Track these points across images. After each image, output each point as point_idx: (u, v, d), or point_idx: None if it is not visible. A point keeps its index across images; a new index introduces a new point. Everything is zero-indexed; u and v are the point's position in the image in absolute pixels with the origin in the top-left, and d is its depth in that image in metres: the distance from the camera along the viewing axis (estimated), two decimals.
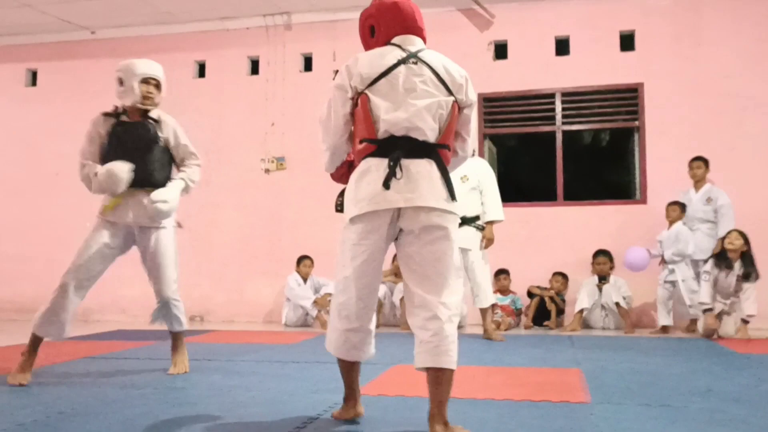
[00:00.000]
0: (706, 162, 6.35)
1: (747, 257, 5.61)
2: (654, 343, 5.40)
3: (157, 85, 3.85)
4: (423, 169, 2.43)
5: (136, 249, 3.95)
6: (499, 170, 7.50)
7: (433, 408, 2.41)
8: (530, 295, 6.78)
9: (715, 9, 6.86)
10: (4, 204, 8.31)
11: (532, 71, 7.23)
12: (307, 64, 7.90)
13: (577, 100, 7.19)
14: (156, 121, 3.83)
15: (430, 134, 2.45)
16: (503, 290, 6.78)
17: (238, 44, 7.99)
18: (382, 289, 6.84)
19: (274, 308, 7.45)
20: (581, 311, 6.40)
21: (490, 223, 5.59)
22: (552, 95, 7.23)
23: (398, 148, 2.41)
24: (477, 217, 5.61)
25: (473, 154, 5.71)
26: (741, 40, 6.78)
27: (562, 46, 7.24)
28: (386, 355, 4.65)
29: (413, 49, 2.55)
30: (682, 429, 2.53)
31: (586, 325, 6.57)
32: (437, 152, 2.48)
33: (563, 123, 7.21)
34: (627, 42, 7.09)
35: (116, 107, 3.87)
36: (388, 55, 2.51)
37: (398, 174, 2.39)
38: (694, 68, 6.85)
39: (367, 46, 2.67)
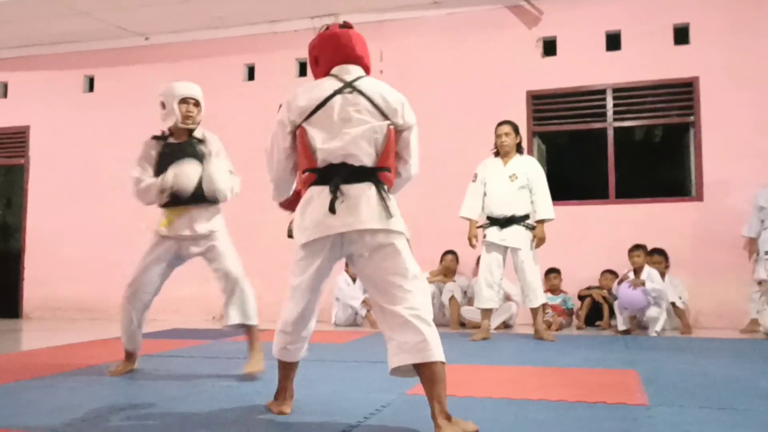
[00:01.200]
0: None
1: None
2: (712, 344, 5.25)
3: (196, 104, 4.13)
4: (362, 193, 2.54)
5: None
6: (549, 168, 7.40)
7: (433, 405, 2.50)
8: (581, 298, 6.67)
9: None
10: (64, 208, 8.59)
11: (582, 67, 7.11)
12: None
13: (629, 95, 7.04)
14: (200, 140, 4.06)
15: (366, 159, 2.57)
16: (554, 290, 6.69)
17: (286, 46, 8.08)
18: (431, 289, 6.83)
19: (324, 308, 7.45)
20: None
21: (541, 222, 5.53)
22: (603, 91, 7.09)
23: (337, 175, 2.55)
24: (527, 216, 5.55)
25: (521, 152, 5.69)
26: None
27: (613, 41, 7.10)
28: None
29: (349, 79, 2.66)
30: None
31: (639, 325, 6.42)
32: (376, 176, 2.59)
33: (615, 119, 7.08)
34: (681, 35, 6.91)
35: (163, 131, 4.10)
36: (325, 86, 2.65)
37: (339, 199, 2.52)
38: (752, 61, 6.63)
39: (315, 76, 2.81)
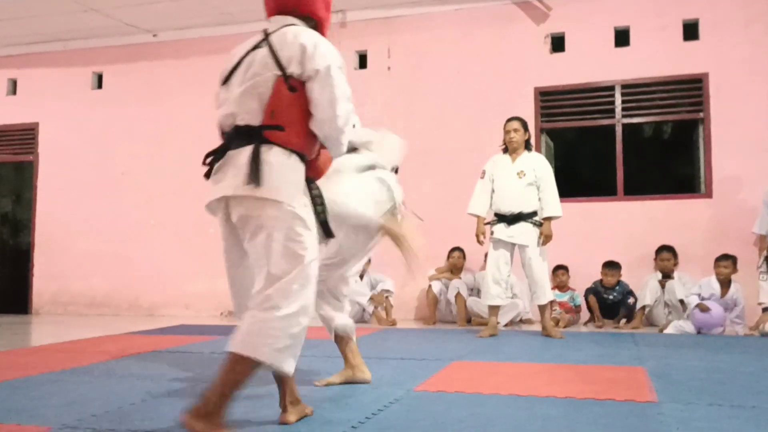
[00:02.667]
0: None
1: None
2: (722, 341, 5.23)
3: None
4: (237, 155, 2.30)
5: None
6: (557, 165, 7.39)
7: (206, 391, 2.24)
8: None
9: None
10: (74, 203, 8.64)
11: (591, 63, 7.09)
12: (362, 61, 7.93)
13: (638, 92, 7.01)
14: None
15: (251, 118, 2.30)
16: (561, 286, 6.68)
17: None
18: (437, 286, 6.83)
19: None
20: (643, 308, 6.26)
21: (548, 219, 5.52)
22: (611, 88, 7.07)
23: (229, 140, 2.34)
24: (534, 213, 5.54)
25: (529, 148, 5.67)
26: None
27: (622, 37, 7.07)
28: (445, 350, 4.65)
29: (270, 30, 2.39)
30: (759, 430, 2.45)
31: (648, 322, 6.41)
32: (261, 135, 2.29)
33: (623, 116, 7.05)
34: (690, 31, 6.87)
35: None
36: (246, 43, 2.44)
37: (216, 167, 2.34)
38: (764, 56, 6.58)
39: None
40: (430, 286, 6.90)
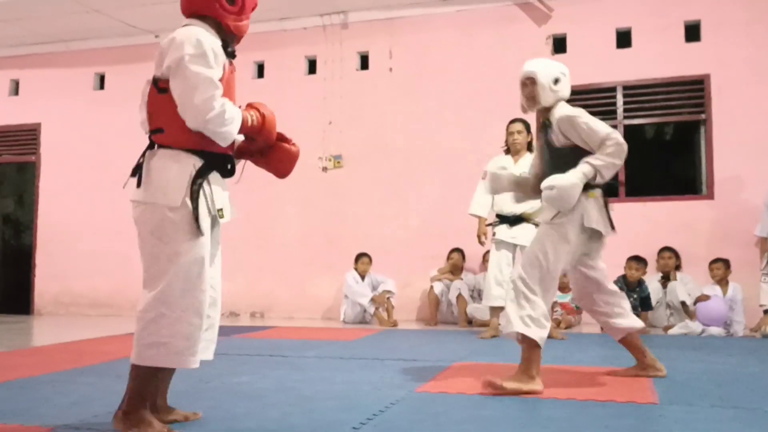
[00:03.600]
0: None
1: None
2: (723, 342, 5.23)
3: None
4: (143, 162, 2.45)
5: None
6: None
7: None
8: None
9: None
10: (76, 204, 8.65)
11: (593, 65, 7.09)
12: (364, 62, 7.94)
13: (640, 93, 7.01)
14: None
15: (145, 126, 2.48)
16: (563, 288, 6.66)
17: (295, 44, 8.10)
18: (439, 287, 6.84)
19: (333, 305, 7.53)
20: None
21: None
22: (613, 89, 7.07)
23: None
24: (536, 214, 5.54)
25: (532, 150, 5.67)
26: None
27: (624, 39, 7.07)
28: (447, 351, 4.65)
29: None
30: None
31: (650, 324, 6.40)
32: (151, 141, 2.44)
33: (625, 117, 7.05)
34: (692, 32, 6.87)
35: None
36: None
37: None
38: (766, 56, 6.58)
39: None
40: (431, 287, 6.90)
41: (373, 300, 6.86)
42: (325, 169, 7.86)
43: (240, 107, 2.54)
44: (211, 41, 2.43)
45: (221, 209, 2.53)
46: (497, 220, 5.64)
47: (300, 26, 8.06)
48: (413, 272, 7.21)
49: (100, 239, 8.48)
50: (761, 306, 5.72)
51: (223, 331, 6.01)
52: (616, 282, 6.24)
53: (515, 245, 5.56)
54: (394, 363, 4.11)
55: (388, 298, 6.90)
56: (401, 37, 7.73)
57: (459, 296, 6.73)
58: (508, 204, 5.54)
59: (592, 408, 2.81)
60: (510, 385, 3.08)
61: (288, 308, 7.77)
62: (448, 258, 6.99)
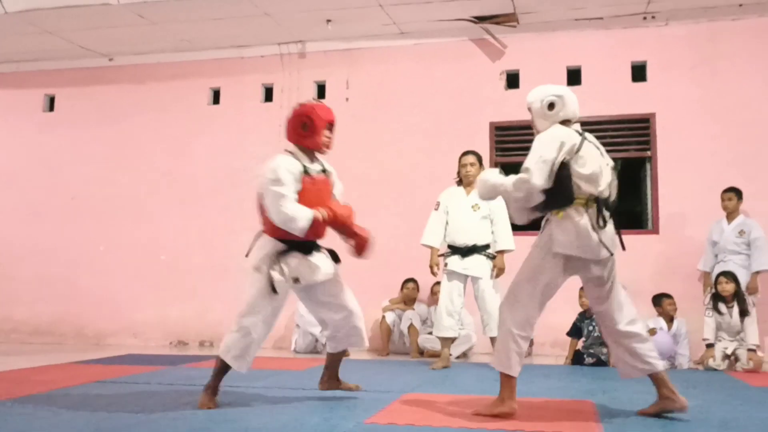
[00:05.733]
0: (738, 193, 6.23)
1: (739, 297, 5.80)
2: (669, 375, 5.32)
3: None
4: None
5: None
6: None
7: None
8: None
9: (732, 38, 6.87)
10: (23, 227, 8.40)
11: None
12: (321, 91, 7.99)
13: (589, 129, 7.08)
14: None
15: (259, 220, 3.79)
16: None
17: (252, 71, 8.10)
18: (391, 317, 6.83)
19: (284, 334, 7.44)
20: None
21: (501, 252, 5.60)
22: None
23: None
24: (488, 246, 5.62)
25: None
26: (760, 68, 6.78)
27: (574, 76, 7.29)
28: (397, 382, 4.64)
29: None
30: None
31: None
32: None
33: None
34: (639, 72, 7.13)
35: None
36: None
37: None
38: (710, 98, 6.84)
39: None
40: (383, 316, 6.89)
41: None
42: None
43: (319, 209, 3.48)
44: (288, 164, 3.50)
45: (297, 277, 3.61)
46: (449, 251, 5.69)
47: (257, 54, 8.08)
48: (365, 302, 7.05)
49: (44, 264, 8.23)
50: (704, 340, 5.87)
51: (170, 360, 5.89)
52: (575, 323, 6.31)
53: (467, 276, 5.61)
54: (343, 394, 4.08)
55: None
56: (358, 67, 7.81)
57: (411, 326, 6.73)
58: (461, 235, 5.62)
59: None
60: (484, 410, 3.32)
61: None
62: (403, 288, 7.00)
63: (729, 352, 5.75)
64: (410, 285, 6.96)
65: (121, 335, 7.94)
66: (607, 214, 3.25)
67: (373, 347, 7.21)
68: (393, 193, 7.48)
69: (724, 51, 6.89)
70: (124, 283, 7.97)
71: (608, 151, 7.37)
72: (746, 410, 3.66)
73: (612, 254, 3.30)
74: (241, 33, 7.68)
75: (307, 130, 3.58)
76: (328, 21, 7.30)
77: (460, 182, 5.79)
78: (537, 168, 3.22)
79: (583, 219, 3.21)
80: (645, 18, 7.07)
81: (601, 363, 5.89)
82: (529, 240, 6.78)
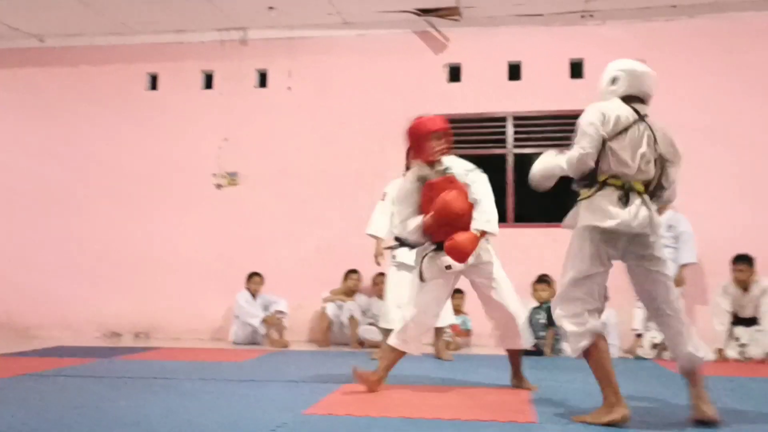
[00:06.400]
0: None
1: None
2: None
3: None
4: None
5: None
6: None
7: None
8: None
9: (665, 38, 7.09)
10: None
11: (485, 94, 7.36)
12: (263, 79, 7.88)
13: (528, 124, 7.35)
14: None
15: None
16: (455, 310, 6.81)
17: (192, 57, 7.93)
18: (332, 308, 6.81)
19: (223, 325, 7.34)
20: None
21: None
22: (504, 119, 7.37)
23: None
24: None
25: None
26: (690, 67, 7.02)
27: (515, 71, 7.40)
28: (337, 373, 4.63)
29: None
30: None
31: (539, 347, 6.63)
32: None
33: (514, 146, 7.35)
34: (577, 69, 7.29)
35: None
36: None
37: None
38: None
39: None
40: (324, 307, 6.86)
41: (264, 320, 6.74)
42: (219, 186, 7.69)
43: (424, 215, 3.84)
44: (405, 184, 4.03)
45: (449, 265, 3.80)
46: (397, 242, 5.69)
47: (197, 40, 7.90)
48: (307, 293, 7.14)
49: None
50: (633, 330, 6.07)
51: (103, 352, 5.73)
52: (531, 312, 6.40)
53: (414, 267, 5.62)
54: (282, 385, 4.06)
55: (279, 319, 6.81)
56: (301, 57, 7.74)
57: (351, 318, 6.73)
58: None
59: (474, 428, 2.88)
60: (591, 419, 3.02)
61: (175, 328, 7.48)
62: (346, 279, 6.99)
63: (657, 341, 5.96)
64: (354, 276, 6.96)
65: (52, 327, 7.67)
66: (635, 195, 3.08)
67: (314, 338, 7.20)
68: (336, 184, 7.45)
69: (657, 50, 7.10)
70: (55, 276, 7.71)
71: (547, 146, 7.56)
72: (671, 396, 3.80)
73: (643, 233, 3.07)
74: (181, 17, 7.49)
75: (414, 149, 4.00)
76: (271, 8, 7.21)
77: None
78: (578, 142, 3.16)
79: (605, 195, 3.11)
80: (583, 16, 7.23)
81: (539, 352, 6.02)
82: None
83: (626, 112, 3.16)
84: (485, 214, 3.86)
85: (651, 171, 3.13)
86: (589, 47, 7.24)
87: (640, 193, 3.09)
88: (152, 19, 7.56)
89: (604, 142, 3.08)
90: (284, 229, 7.47)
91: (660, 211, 3.41)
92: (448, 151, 4.02)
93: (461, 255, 3.73)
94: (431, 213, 3.75)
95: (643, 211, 3.06)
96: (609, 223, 3.04)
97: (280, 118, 7.66)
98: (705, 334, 5.45)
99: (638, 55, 7.08)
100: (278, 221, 7.51)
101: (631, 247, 3.13)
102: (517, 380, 4.10)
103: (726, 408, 3.43)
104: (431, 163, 3.95)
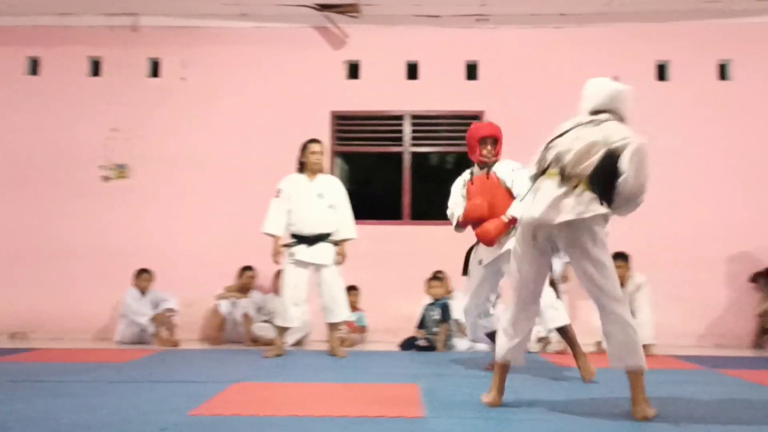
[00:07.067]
0: None
1: (553, 285, 6.26)
2: (490, 358, 5.67)
3: None
4: None
5: None
6: (354, 188, 7.58)
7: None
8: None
9: (554, 44, 7.37)
10: None
11: (383, 92, 7.42)
12: (155, 68, 7.58)
13: (425, 123, 7.47)
14: None
15: None
16: (351, 306, 6.82)
17: (78, 42, 7.51)
18: (225, 305, 6.67)
19: (108, 324, 7.01)
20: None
21: (344, 240, 5.65)
22: (401, 117, 7.45)
23: None
24: (331, 234, 5.64)
25: (323, 171, 5.78)
26: (579, 73, 7.31)
27: (412, 71, 7.50)
28: (228, 372, 4.55)
29: None
30: None
31: (432, 342, 6.75)
32: None
33: (411, 144, 7.45)
34: (472, 71, 7.48)
35: None
36: None
37: None
38: (534, 99, 7.32)
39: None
40: (217, 305, 6.70)
41: (153, 319, 6.49)
42: (107, 178, 7.34)
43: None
44: (459, 179, 4.78)
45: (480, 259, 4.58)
46: (294, 240, 5.63)
47: (84, 24, 7.49)
48: (200, 290, 6.95)
49: None
50: None
51: (5, 352, 5.33)
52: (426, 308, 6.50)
53: (313, 265, 5.59)
54: (169, 385, 3.92)
55: (169, 317, 6.58)
56: (196, 47, 7.50)
57: (245, 315, 6.61)
58: (307, 224, 5.58)
59: (361, 424, 2.88)
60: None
61: (56, 328, 7.07)
62: (241, 275, 6.85)
63: (542, 335, 6.21)
64: (249, 273, 6.83)
65: None
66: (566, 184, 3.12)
67: (206, 336, 7.02)
68: (231, 178, 7.29)
69: (547, 55, 7.40)
70: None
71: (443, 145, 7.75)
72: (553, 388, 3.98)
73: (570, 221, 3.07)
74: (66, 0, 7.08)
75: (468, 149, 4.62)
76: None
77: (301, 170, 5.74)
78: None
79: (538, 187, 3.24)
80: (478, 20, 7.42)
81: (433, 347, 6.13)
82: (367, 229, 6.92)
83: (568, 123, 3.38)
84: (520, 205, 3.77)
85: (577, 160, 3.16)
86: (484, 50, 7.45)
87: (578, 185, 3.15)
88: (35, 0, 7.10)
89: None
90: (176, 224, 7.24)
91: None
92: (495, 156, 4.58)
93: (485, 238, 4.32)
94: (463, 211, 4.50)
95: (571, 201, 3.11)
96: (533, 214, 3.25)
97: (173, 109, 7.40)
98: (586, 327, 5.80)
99: (529, 59, 7.40)
100: (170, 216, 7.25)
101: (557, 235, 3.18)
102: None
103: (606, 398, 3.62)
104: (480, 163, 4.57)
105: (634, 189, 3.02)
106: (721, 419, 3.12)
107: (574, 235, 3.09)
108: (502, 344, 3.32)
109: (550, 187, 3.16)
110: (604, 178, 3.06)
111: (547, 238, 3.18)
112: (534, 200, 3.21)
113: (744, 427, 2.96)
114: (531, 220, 3.18)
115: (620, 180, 3.02)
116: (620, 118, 3.28)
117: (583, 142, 3.16)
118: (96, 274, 7.14)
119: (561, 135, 3.30)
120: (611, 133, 3.14)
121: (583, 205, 3.06)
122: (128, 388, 3.82)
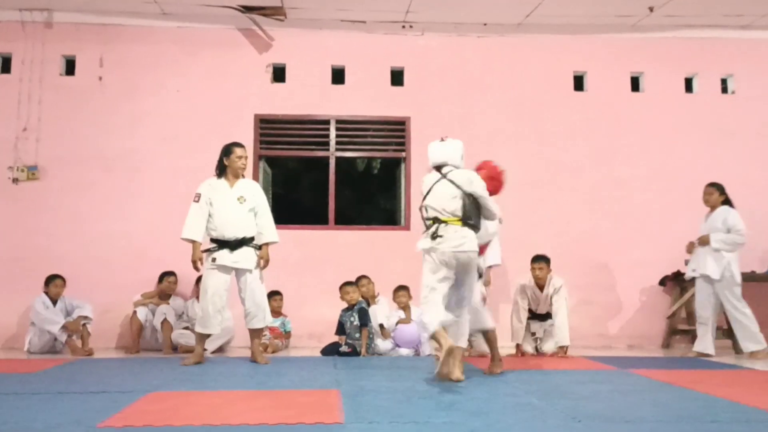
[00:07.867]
0: None
1: None
2: (413, 362, 5.72)
3: None
4: None
5: None
6: (278, 192, 7.51)
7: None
8: None
9: (477, 53, 7.52)
10: None
11: (309, 97, 7.37)
12: (70, 67, 7.29)
13: (351, 128, 7.46)
14: None
15: None
16: (274, 312, 6.74)
17: None
18: (143, 312, 6.47)
19: (17, 333, 6.68)
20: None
21: (266, 244, 5.59)
22: (327, 121, 7.43)
23: None
24: (253, 238, 5.57)
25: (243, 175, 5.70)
26: (500, 82, 7.51)
27: (338, 76, 7.49)
28: (143, 381, 4.41)
29: None
30: None
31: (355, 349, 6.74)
32: None
33: (337, 149, 7.44)
34: (397, 77, 7.54)
35: None
36: None
37: None
38: (458, 106, 7.44)
39: None
40: (134, 312, 6.49)
41: (65, 327, 6.22)
42: (15, 180, 7.00)
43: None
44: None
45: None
46: (214, 245, 5.51)
47: None
48: (117, 297, 6.72)
49: None
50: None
51: None
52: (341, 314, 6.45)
53: (235, 270, 5.50)
54: (79, 396, 3.77)
55: (83, 325, 6.31)
56: (115, 45, 7.26)
57: (164, 321, 6.43)
58: (229, 228, 5.48)
59: (279, 431, 2.85)
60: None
61: None
62: (162, 281, 6.66)
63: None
64: (171, 279, 6.65)
65: None
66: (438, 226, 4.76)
67: (122, 344, 6.79)
68: (150, 182, 7.08)
69: (471, 63, 7.54)
70: None
71: (368, 150, 7.77)
72: (470, 390, 4.04)
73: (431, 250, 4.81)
74: None
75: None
76: None
77: (220, 174, 5.64)
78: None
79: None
80: (404, 27, 7.49)
81: (356, 353, 6.11)
82: (291, 233, 6.86)
83: (429, 178, 4.89)
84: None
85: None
86: (409, 56, 7.52)
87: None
88: None
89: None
90: (91, 228, 6.97)
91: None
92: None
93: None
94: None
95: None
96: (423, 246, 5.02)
97: (89, 109, 7.13)
98: (507, 330, 5.92)
99: (453, 67, 7.52)
100: (85, 220, 6.98)
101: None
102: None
103: (521, 401, 3.71)
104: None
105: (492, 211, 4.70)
106: (626, 417, 3.24)
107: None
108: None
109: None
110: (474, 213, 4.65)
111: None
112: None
113: (646, 425, 3.09)
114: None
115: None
116: (456, 166, 4.78)
117: (443, 195, 4.68)
118: (3, 279, 6.79)
119: (426, 195, 4.81)
120: (455, 178, 4.67)
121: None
122: (34, 400, 3.64)
